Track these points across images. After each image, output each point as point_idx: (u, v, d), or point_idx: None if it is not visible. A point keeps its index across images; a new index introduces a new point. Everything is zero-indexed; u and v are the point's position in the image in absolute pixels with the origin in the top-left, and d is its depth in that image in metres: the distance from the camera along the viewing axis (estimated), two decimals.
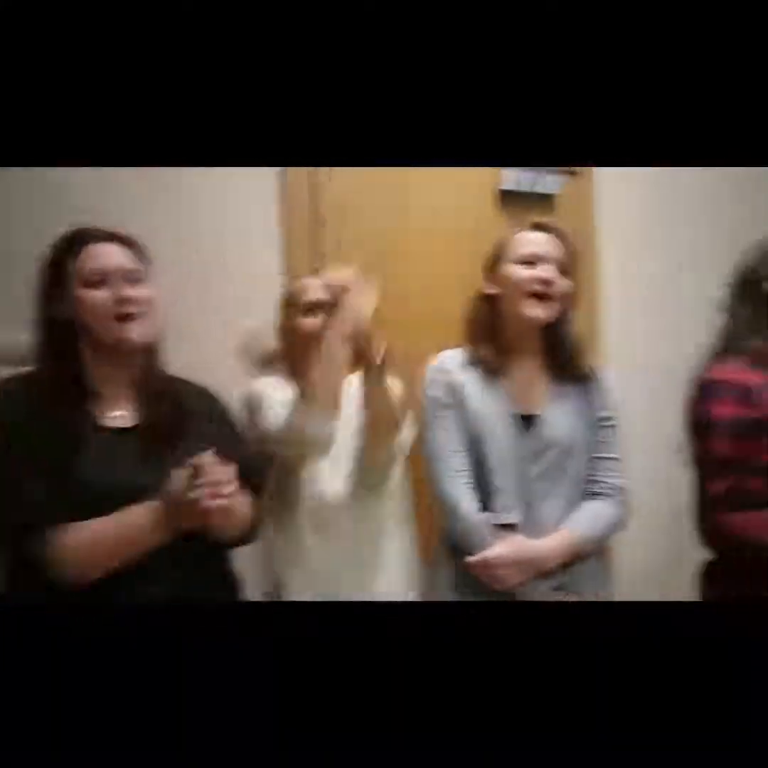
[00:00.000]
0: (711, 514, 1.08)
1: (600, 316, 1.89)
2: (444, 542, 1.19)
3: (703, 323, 1.99)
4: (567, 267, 1.15)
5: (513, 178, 1.75)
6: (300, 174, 1.55)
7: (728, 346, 1.14)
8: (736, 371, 1.08)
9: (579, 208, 1.86)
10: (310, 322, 1.16)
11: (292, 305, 1.21)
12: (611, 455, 1.17)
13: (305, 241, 1.54)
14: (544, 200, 1.82)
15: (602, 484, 1.16)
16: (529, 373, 1.18)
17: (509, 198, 1.77)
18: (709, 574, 1.17)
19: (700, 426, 1.10)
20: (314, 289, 1.17)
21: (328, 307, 1.05)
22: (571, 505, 1.13)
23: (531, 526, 1.11)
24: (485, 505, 1.13)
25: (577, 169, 1.84)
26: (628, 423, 1.75)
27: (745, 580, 1.07)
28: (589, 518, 1.13)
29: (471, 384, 1.15)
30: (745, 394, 1.05)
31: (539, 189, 1.79)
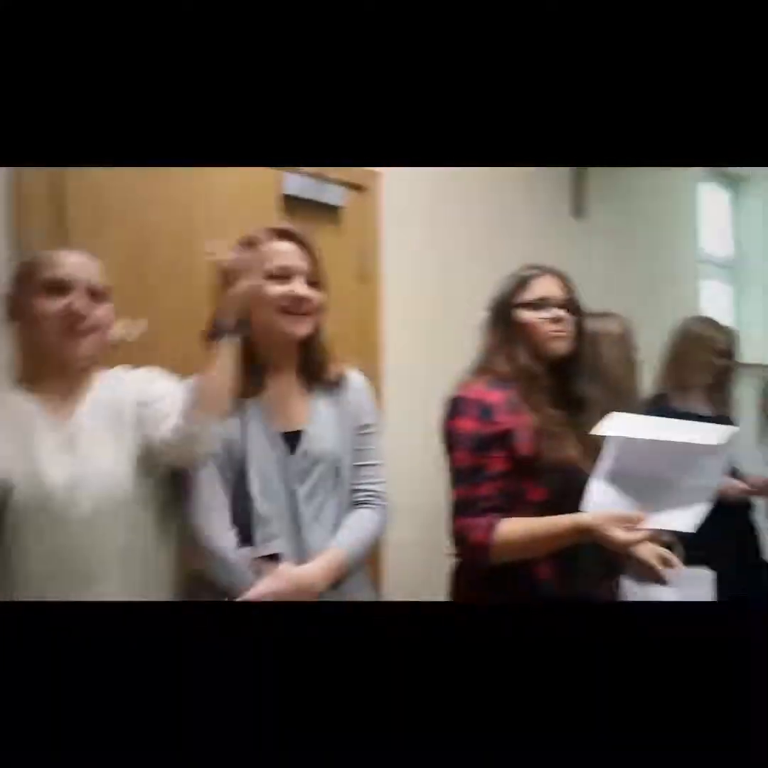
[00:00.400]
0: (451, 518, 1.15)
1: (381, 329, 1.95)
2: (199, 578, 1.06)
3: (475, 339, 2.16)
4: (316, 277, 1.12)
5: (296, 183, 1.73)
6: (38, 173, 1.31)
7: (479, 366, 1.24)
8: (480, 389, 1.18)
9: (365, 223, 1.90)
10: (52, 304, 0.98)
11: (28, 282, 1.00)
12: (372, 462, 1.18)
13: (47, 243, 1.27)
14: (330, 212, 1.83)
15: (365, 492, 1.16)
16: (285, 388, 1.13)
17: (294, 205, 1.75)
18: (455, 576, 1.26)
19: (447, 438, 1.19)
20: (59, 266, 1.00)
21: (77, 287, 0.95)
22: (341, 520, 1.11)
23: (302, 551, 1.06)
24: (248, 536, 1.04)
25: (363, 184, 1.89)
26: (412, 431, 1.84)
27: (480, 581, 1.16)
28: (355, 530, 1.12)
29: None
30: (484, 411, 1.14)
31: (322, 198, 1.80)
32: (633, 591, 1.04)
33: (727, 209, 4.20)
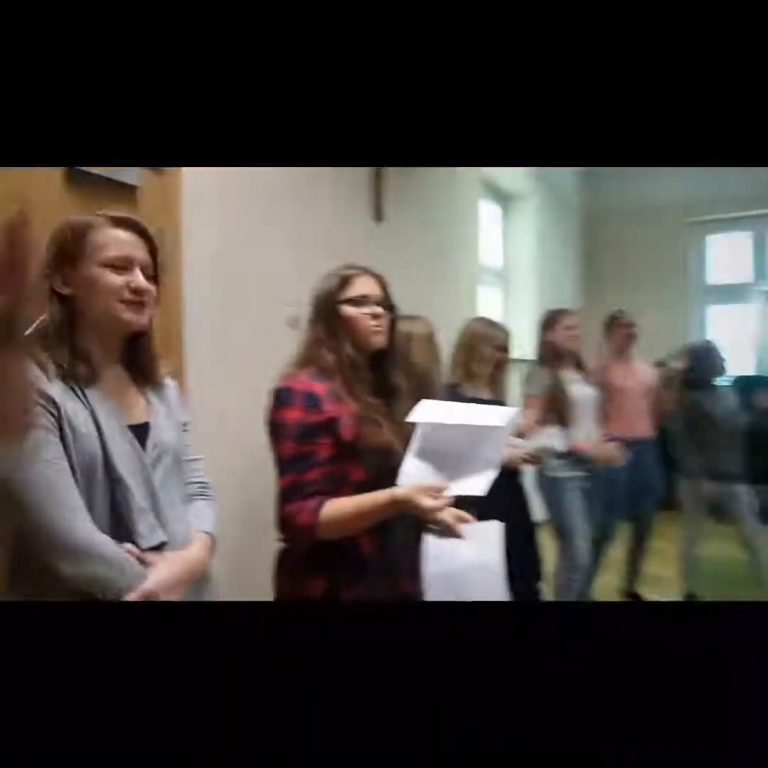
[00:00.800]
0: (279, 505, 1.20)
1: (183, 318, 1.89)
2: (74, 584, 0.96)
3: (284, 328, 2.22)
4: (154, 270, 1.09)
5: None
6: None
7: (303, 358, 1.30)
8: (305, 380, 1.24)
9: (164, 206, 1.80)
10: None
11: None
12: (196, 456, 1.21)
13: None
14: (124, 191, 1.71)
15: (197, 485, 1.18)
16: (117, 381, 1.09)
17: (80, 180, 1.60)
18: (281, 561, 1.31)
19: (274, 428, 1.23)
20: None
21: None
22: (186, 509, 1.13)
23: (170, 541, 1.05)
24: (124, 529, 1.00)
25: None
26: (220, 423, 1.82)
27: (308, 562, 1.23)
28: (205, 518, 1.14)
29: (67, 398, 0.98)
30: (310, 401, 1.21)
31: (115, 176, 1.65)
32: (433, 546, 1.19)
33: (498, 223, 4.79)
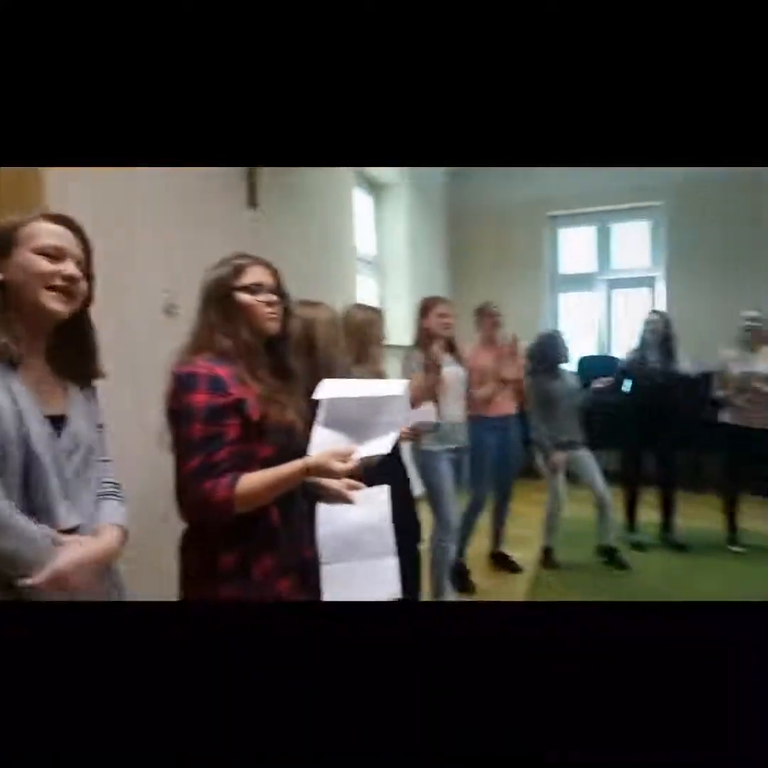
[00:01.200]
0: (185, 488, 1.23)
1: None
2: None
3: (163, 320, 2.16)
4: (85, 266, 1.13)
5: None
6: None
7: (200, 345, 1.32)
8: (206, 365, 1.27)
9: (25, 192, 1.75)
10: None
11: None
12: (108, 458, 1.23)
13: None
14: None
15: (110, 485, 1.21)
16: (40, 370, 1.11)
17: None
18: (185, 543, 1.34)
19: (178, 413, 1.25)
20: None
21: None
22: (96, 504, 1.15)
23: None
24: (32, 512, 1.01)
25: None
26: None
27: (219, 539, 1.26)
28: (118, 514, 1.17)
29: None
30: (215, 384, 1.25)
31: None
32: (325, 511, 1.27)
33: (371, 213, 4.93)
